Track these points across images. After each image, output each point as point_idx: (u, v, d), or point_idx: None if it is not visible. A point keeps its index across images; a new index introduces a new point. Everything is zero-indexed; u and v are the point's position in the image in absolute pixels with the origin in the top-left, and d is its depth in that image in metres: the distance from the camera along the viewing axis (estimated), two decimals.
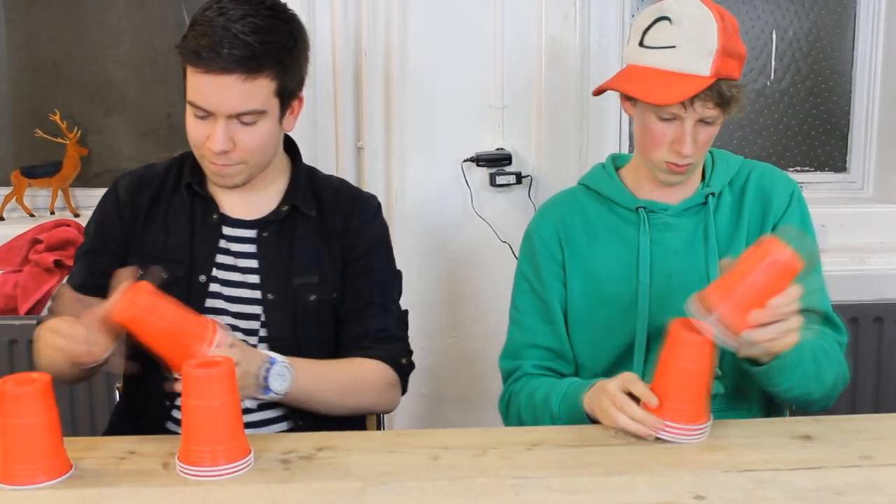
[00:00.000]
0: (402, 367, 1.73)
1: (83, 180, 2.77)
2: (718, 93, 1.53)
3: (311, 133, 2.48)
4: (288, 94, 1.61)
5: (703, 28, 1.52)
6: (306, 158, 1.79)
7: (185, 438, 1.36)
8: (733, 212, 1.69)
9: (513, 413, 1.72)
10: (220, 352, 1.42)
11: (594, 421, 1.52)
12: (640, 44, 1.57)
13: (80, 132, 2.72)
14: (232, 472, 1.34)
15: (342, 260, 1.71)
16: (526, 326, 1.74)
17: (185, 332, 1.43)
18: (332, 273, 1.71)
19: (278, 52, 1.55)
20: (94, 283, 1.61)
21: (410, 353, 1.77)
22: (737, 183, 1.71)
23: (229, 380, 1.34)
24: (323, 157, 2.51)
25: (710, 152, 1.73)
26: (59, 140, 2.70)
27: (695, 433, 1.44)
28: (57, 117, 2.68)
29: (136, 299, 1.40)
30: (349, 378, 1.67)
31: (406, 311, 1.80)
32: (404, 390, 1.75)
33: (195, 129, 1.59)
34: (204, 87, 1.54)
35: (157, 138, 2.82)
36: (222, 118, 1.55)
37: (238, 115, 1.55)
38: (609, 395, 1.46)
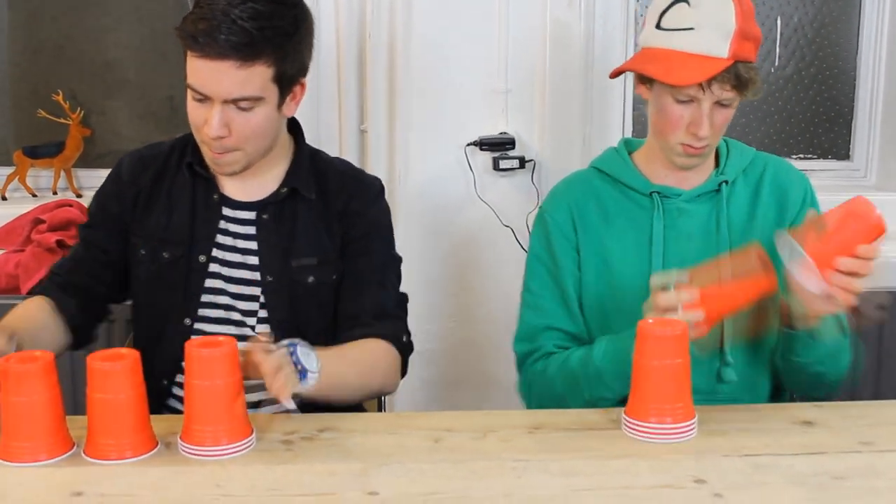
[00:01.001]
0: (404, 344, 1.70)
1: (86, 161, 2.77)
2: (736, 75, 1.53)
3: (314, 115, 2.47)
4: (288, 81, 1.59)
5: (722, 10, 1.53)
6: (309, 141, 1.78)
7: (188, 418, 1.36)
8: (749, 203, 1.70)
9: (541, 390, 1.69)
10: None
11: None
12: (658, 26, 1.57)
13: (82, 113, 2.71)
14: (234, 452, 1.35)
15: (342, 240, 1.70)
16: (542, 309, 1.72)
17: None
18: (332, 255, 1.70)
19: (277, 38, 1.53)
20: (90, 257, 1.72)
21: (409, 333, 1.74)
22: (751, 174, 1.71)
23: (232, 360, 1.34)
24: (326, 139, 2.51)
25: (725, 140, 1.73)
26: (62, 121, 2.69)
27: None
28: (60, 97, 2.68)
29: None
30: (365, 359, 1.64)
31: (405, 295, 1.77)
32: (404, 372, 1.72)
33: (194, 112, 1.58)
34: (201, 72, 1.53)
35: (157, 121, 2.82)
36: (219, 103, 1.54)
37: (234, 101, 1.54)
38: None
